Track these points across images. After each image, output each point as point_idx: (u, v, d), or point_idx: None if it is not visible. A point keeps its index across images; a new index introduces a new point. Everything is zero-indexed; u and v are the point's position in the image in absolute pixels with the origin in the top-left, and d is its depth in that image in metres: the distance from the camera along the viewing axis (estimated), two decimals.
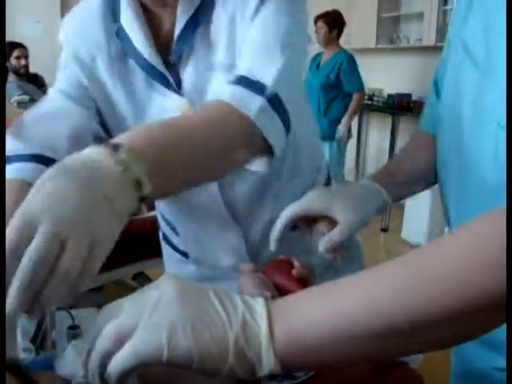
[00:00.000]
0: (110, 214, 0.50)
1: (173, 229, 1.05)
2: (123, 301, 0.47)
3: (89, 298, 1.65)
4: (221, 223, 0.94)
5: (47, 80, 4.27)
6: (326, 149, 4.19)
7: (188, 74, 0.82)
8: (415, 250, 0.49)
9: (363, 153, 5.46)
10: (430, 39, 4.19)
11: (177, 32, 0.80)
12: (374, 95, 4.92)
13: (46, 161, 0.76)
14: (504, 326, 0.68)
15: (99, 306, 1.10)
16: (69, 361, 0.47)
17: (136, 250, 1.77)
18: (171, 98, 0.83)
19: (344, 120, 4.09)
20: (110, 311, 0.46)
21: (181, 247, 1.06)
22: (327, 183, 1.03)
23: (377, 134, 5.28)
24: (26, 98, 3.51)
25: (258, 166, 0.75)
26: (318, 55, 4.17)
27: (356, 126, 5.40)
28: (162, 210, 1.04)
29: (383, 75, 4.97)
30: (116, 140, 0.56)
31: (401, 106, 4.45)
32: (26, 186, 0.70)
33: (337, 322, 0.45)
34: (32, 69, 4.18)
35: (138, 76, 0.84)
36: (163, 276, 0.47)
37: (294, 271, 0.68)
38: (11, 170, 0.73)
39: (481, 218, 0.48)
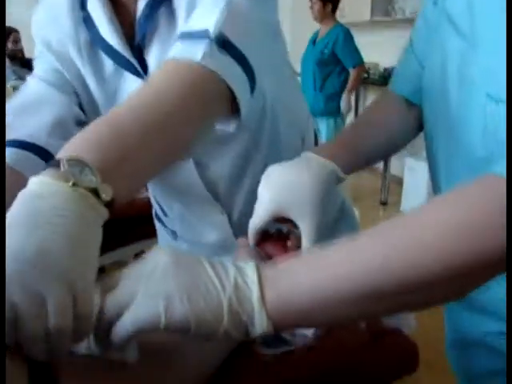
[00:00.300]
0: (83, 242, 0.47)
1: (161, 208, 1.07)
2: (120, 272, 0.49)
3: None
4: (202, 202, 0.96)
5: None
6: (324, 125, 4.18)
7: (153, 57, 0.81)
8: (405, 214, 0.50)
9: None
10: None
11: (138, 13, 0.79)
12: (369, 69, 4.89)
13: (27, 146, 0.75)
14: (496, 292, 0.71)
15: None
16: None
17: (136, 229, 1.79)
18: (138, 83, 0.82)
19: (344, 97, 4.08)
20: (108, 282, 0.48)
21: (169, 226, 1.09)
22: None
23: None
24: (20, 82, 3.52)
25: (228, 125, 0.73)
26: (318, 32, 4.15)
27: (353, 100, 5.38)
28: (151, 189, 1.07)
29: (379, 49, 4.93)
30: (58, 155, 0.51)
31: None
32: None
33: (324, 286, 0.47)
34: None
35: (107, 63, 0.84)
36: (156, 247, 0.49)
37: (288, 242, 0.70)
38: None
39: (471, 184, 0.48)
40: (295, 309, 0.47)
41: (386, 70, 4.67)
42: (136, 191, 0.60)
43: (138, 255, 2.40)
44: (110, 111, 0.59)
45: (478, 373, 0.80)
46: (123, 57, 0.81)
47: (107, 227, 1.64)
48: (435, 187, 0.81)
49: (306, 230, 0.69)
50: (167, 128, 0.60)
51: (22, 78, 3.54)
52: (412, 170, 3.90)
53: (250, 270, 0.48)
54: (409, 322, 0.83)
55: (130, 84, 0.84)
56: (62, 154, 0.50)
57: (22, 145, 0.75)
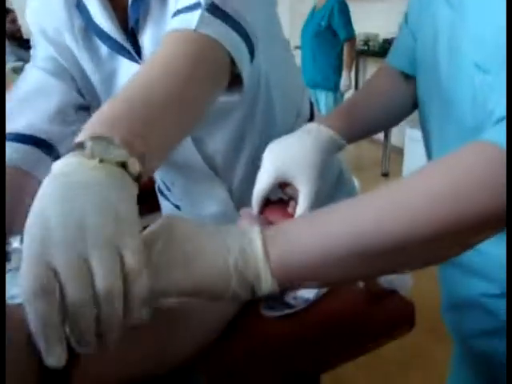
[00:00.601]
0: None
1: (164, 184, 1.11)
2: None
3: None
4: (202, 176, 0.99)
5: None
6: (322, 98, 4.17)
7: (147, 40, 0.82)
8: (403, 178, 0.52)
9: None
10: None
11: None
12: (369, 40, 4.85)
13: (27, 139, 0.76)
14: (490, 255, 0.74)
15: None
16: None
17: (140, 204, 1.82)
18: (133, 67, 0.83)
19: (344, 74, 4.08)
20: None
21: (172, 200, 1.13)
22: None
23: None
24: (20, 64, 3.51)
25: (230, 94, 0.72)
26: (316, 4, 4.12)
27: (353, 71, 5.35)
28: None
29: (378, 19, 4.88)
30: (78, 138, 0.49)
31: None
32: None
33: (324, 246, 0.49)
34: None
35: (102, 47, 0.85)
36: (164, 216, 0.51)
37: (289, 208, 0.72)
38: None
39: (461, 149, 0.50)
40: (297, 266, 0.50)
41: (385, 40, 4.63)
42: (161, 163, 0.59)
43: (145, 229, 2.44)
44: (122, 89, 0.56)
45: (471, 333, 0.83)
46: (117, 41, 0.82)
47: None
48: (429, 156, 0.83)
49: (304, 191, 0.71)
50: (183, 97, 0.59)
51: (22, 59, 3.53)
52: (413, 141, 3.90)
53: (253, 232, 0.50)
54: (406, 284, 0.86)
55: (126, 67, 0.85)
56: (82, 136, 0.48)
57: (21, 138, 0.76)
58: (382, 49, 4.62)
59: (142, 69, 0.61)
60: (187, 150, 0.93)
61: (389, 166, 4.35)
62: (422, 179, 0.50)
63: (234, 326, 0.68)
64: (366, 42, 4.85)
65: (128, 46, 0.82)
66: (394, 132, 4.37)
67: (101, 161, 0.46)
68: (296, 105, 1.04)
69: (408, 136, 4.02)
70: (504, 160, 0.46)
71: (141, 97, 0.55)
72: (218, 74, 0.66)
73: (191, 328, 0.61)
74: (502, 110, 0.50)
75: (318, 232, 0.50)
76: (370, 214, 0.49)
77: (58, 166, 0.46)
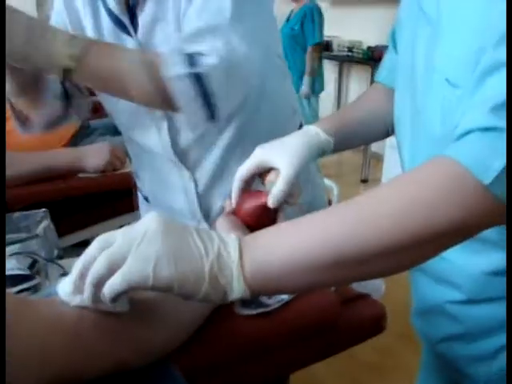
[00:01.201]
0: None
1: (135, 172, 1.15)
2: (114, 233, 0.53)
3: (76, 253, 1.70)
4: (170, 166, 1.02)
5: None
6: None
7: (144, 18, 0.88)
8: (369, 191, 0.55)
9: (343, 104, 5.48)
10: None
11: None
12: (353, 47, 4.90)
13: None
14: (454, 263, 0.77)
15: None
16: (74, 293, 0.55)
17: (121, 202, 1.82)
18: (129, 42, 0.90)
19: (304, 79, 4.15)
20: (103, 241, 0.53)
21: (143, 190, 1.16)
22: None
23: (357, 86, 5.29)
24: None
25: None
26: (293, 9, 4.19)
27: (337, 77, 5.40)
28: (129, 149, 1.13)
29: (363, 27, 4.94)
30: None
31: (380, 58, 4.45)
32: None
33: (294, 255, 0.52)
34: None
35: (106, 19, 0.91)
36: (149, 213, 0.53)
37: (263, 198, 0.72)
38: None
39: (424, 164, 0.54)
40: (271, 277, 0.53)
41: (369, 48, 4.69)
42: None
43: (120, 227, 2.43)
44: None
45: (437, 338, 0.86)
46: (114, 14, 0.88)
47: (90, 202, 1.69)
48: (402, 166, 0.86)
49: (284, 173, 0.71)
50: None
51: None
52: (393, 148, 3.95)
53: (232, 240, 0.54)
54: (378, 288, 0.88)
55: (126, 44, 0.90)
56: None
57: None
58: (366, 56, 4.67)
59: None
60: (160, 137, 0.97)
61: (368, 172, 4.40)
62: (388, 193, 0.54)
63: (208, 322, 0.70)
64: (351, 49, 4.90)
65: (125, 19, 0.88)
66: None
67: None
68: (290, 100, 1.10)
69: (388, 144, 4.07)
70: (464, 175, 0.49)
71: None
72: None
73: (166, 320, 0.62)
74: (464, 126, 0.53)
75: (292, 245, 0.53)
76: (340, 227, 0.52)
77: None
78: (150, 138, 0.98)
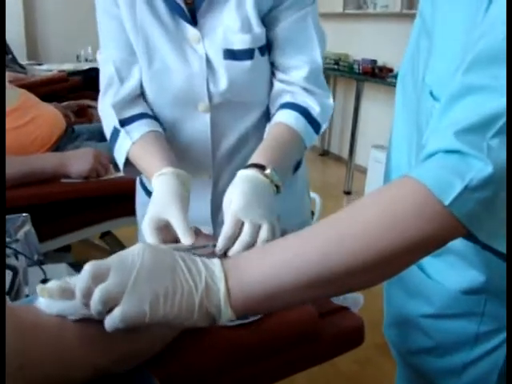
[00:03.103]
0: None
1: None
2: (105, 262, 0.55)
3: (58, 258, 1.69)
4: (198, 162, 1.06)
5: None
6: None
7: (203, 13, 0.93)
8: (341, 211, 0.58)
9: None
10: (395, 6, 4.22)
11: None
12: (340, 60, 4.95)
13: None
14: (427, 279, 0.78)
15: (70, 264, 1.15)
16: (54, 302, 0.56)
17: (103, 209, 1.82)
18: (188, 29, 0.95)
19: None
20: (97, 271, 0.54)
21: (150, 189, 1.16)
22: None
23: (342, 99, 5.34)
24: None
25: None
26: None
27: None
28: None
29: (349, 40, 5.00)
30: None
31: (365, 72, 4.51)
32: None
33: (275, 279, 0.55)
34: None
35: (161, 4, 0.94)
36: (139, 245, 0.57)
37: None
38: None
39: (394, 183, 0.57)
40: (256, 300, 0.56)
41: (355, 61, 4.74)
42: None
43: (104, 235, 2.42)
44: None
45: (409, 350, 0.88)
46: (177, 3, 0.92)
47: (72, 208, 1.67)
48: (386, 172, 0.88)
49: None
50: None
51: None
52: (376, 162, 3.99)
53: (217, 269, 0.57)
54: (357, 302, 0.90)
55: (184, 29, 0.95)
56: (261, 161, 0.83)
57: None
58: (351, 69, 4.72)
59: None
60: (203, 126, 1.02)
61: (352, 184, 4.43)
62: (361, 210, 0.57)
63: (187, 332, 0.70)
64: (337, 62, 4.95)
65: (185, 7, 0.92)
66: (360, 152, 4.47)
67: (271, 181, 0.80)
68: None
69: (372, 157, 4.11)
70: (425, 195, 0.52)
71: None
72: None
73: (146, 327, 0.62)
74: (430, 148, 0.55)
75: (274, 269, 0.56)
76: (317, 247, 0.56)
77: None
78: (194, 122, 1.02)
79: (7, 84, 1.96)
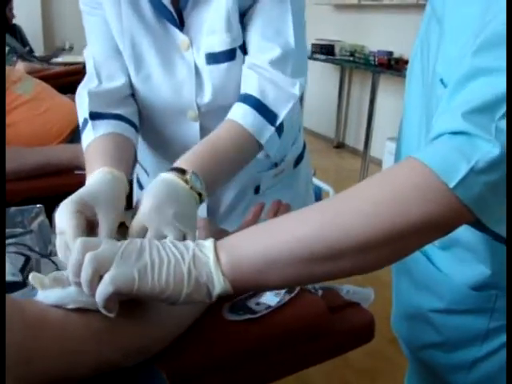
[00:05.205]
0: None
1: (145, 170, 1.16)
2: (98, 239, 0.59)
3: None
4: None
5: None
6: None
7: (188, 12, 0.91)
8: (343, 191, 0.58)
9: (344, 108, 5.49)
10: None
11: None
12: (356, 51, 4.91)
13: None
14: (436, 273, 0.78)
15: None
16: (52, 292, 0.57)
17: None
18: (178, 35, 0.93)
19: None
20: (88, 244, 0.56)
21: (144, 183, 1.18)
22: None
23: (358, 91, 5.30)
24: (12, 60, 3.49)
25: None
26: None
27: (338, 81, 5.42)
28: (142, 154, 1.12)
29: (365, 32, 4.95)
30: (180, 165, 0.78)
31: (381, 64, 4.46)
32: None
33: (266, 253, 0.55)
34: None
35: (148, 8, 0.92)
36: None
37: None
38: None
39: (397, 165, 0.56)
40: (247, 268, 0.55)
41: (371, 53, 4.70)
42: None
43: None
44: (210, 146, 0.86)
45: (418, 345, 0.87)
46: (164, 6, 0.90)
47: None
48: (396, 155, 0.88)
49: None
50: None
51: (8, 44, 3.50)
52: (392, 154, 3.93)
53: (207, 242, 0.57)
54: (368, 297, 0.89)
55: (170, 33, 0.93)
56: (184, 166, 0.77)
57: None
58: (367, 61, 4.68)
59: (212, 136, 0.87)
60: (192, 133, 1.01)
61: (367, 176, 4.39)
62: (365, 189, 0.56)
63: (196, 327, 0.70)
64: (353, 54, 4.91)
65: (173, 11, 0.90)
66: (375, 144, 4.44)
67: (191, 187, 0.75)
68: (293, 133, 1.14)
69: (387, 149, 4.08)
70: (429, 176, 0.51)
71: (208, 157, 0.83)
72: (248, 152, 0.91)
73: (153, 320, 0.63)
74: (436, 130, 0.54)
75: (267, 238, 0.56)
76: (312, 224, 0.55)
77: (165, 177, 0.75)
78: (183, 129, 1.02)
79: (24, 74, 1.98)
